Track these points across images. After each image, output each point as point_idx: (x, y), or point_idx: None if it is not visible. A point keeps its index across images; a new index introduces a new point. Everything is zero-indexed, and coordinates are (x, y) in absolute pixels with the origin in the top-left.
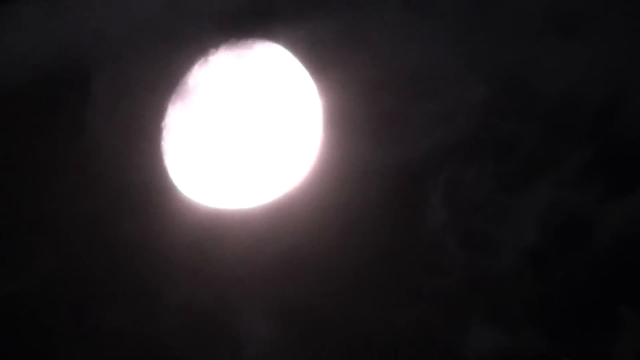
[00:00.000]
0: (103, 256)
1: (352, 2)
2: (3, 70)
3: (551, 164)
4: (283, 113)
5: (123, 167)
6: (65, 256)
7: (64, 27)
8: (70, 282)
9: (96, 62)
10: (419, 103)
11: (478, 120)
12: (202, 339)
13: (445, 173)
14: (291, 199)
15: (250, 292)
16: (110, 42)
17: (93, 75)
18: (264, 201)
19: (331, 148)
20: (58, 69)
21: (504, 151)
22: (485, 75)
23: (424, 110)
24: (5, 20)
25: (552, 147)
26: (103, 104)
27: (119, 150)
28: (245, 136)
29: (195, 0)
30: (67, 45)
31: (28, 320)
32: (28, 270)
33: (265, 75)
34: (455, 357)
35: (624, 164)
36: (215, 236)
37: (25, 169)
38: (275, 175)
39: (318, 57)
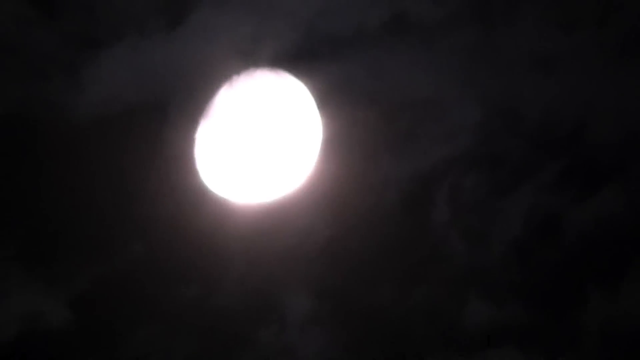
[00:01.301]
0: (178, 244)
1: (374, 44)
2: (100, 101)
3: (533, 173)
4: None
5: (189, 173)
6: (149, 244)
7: (145, 67)
8: (153, 264)
9: (169, 93)
10: (428, 124)
11: (475, 138)
12: (254, 309)
13: (449, 180)
14: (327, 200)
15: (292, 273)
16: (179, 78)
17: (168, 104)
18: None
19: (356, 160)
20: (140, 100)
21: (495, 162)
22: (481, 102)
23: (431, 130)
24: (101, 62)
25: (534, 159)
26: (176, 125)
27: (186, 160)
28: (268, 152)
29: (251, 45)
30: (147, 81)
31: (121, 294)
32: (120, 255)
33: (295, 102)
34: (456, 326)
35: (590, 173)
36: (263, 228)
37: (118, 177)
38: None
39: (347, 86)
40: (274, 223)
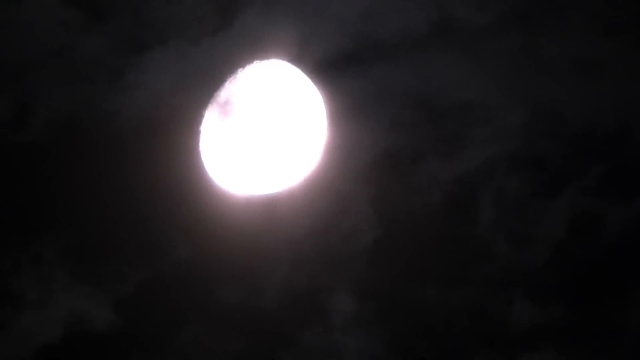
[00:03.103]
0: (220, 247)
1: (419, 48)
2: (144, 105)
3: (576, 174)
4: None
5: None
6: (192, 248)
7: (190, 71)
8: (197, 267)
9: (213, 97)
10: (474, 126)
11: (519, 141)
12: (298, 311)
13: (494, 181)
14: (372, 202)
15: (336, 274)
16: (213, 82)
17: (200, 104)
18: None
19: (402, 162)
20: (185, 104)
21: (539, 164)
22: (525, 105)
23: (477, 132)
24: (146, 66)
25: (576, 161)
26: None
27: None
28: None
29: (297, 49)
30: (191, 85)
31: (165, 297)
32: (165, 258)
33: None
34: (500, 325)
35: (632, 175)
36: (307, 230)
37: (162, 180)
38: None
39: (393, 89)
40: (319, 225)
